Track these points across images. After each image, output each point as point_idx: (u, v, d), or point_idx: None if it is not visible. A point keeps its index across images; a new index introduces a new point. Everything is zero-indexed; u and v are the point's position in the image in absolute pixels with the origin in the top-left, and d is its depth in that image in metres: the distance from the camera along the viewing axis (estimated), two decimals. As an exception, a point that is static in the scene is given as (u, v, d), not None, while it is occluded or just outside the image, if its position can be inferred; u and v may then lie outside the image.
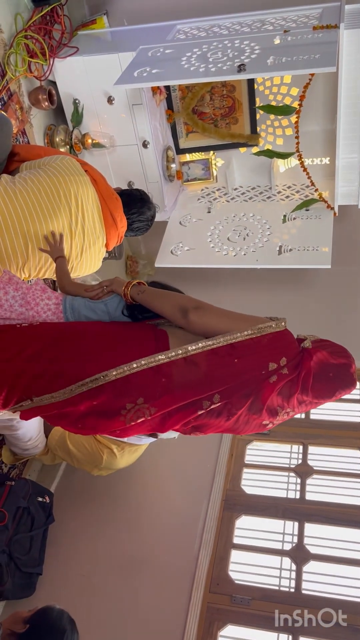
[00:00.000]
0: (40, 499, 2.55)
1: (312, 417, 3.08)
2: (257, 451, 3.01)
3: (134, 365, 1.44)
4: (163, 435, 2.35)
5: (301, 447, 2.94)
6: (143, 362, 1.44)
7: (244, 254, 3.11)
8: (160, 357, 1.44)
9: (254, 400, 1.43)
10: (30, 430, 2.48)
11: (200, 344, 1.44)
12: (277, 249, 3.08)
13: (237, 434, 1.56)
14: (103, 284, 1.69)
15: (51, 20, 2.90)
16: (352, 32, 2.53)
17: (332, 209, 3.16)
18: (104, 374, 1.44)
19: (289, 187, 3.42)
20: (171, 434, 2.33)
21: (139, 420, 1.46)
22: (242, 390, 1.43)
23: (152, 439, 2.50)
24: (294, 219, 3.23)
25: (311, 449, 2.93)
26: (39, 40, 2.76)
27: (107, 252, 2.22)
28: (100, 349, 1.52)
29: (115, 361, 1.46)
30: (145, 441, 2.56)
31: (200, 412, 1.44)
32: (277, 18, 2.84)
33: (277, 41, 2.60)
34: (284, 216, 3.24)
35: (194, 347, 1.44)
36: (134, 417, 1.45)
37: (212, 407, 1.43)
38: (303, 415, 3.06)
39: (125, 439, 2.53)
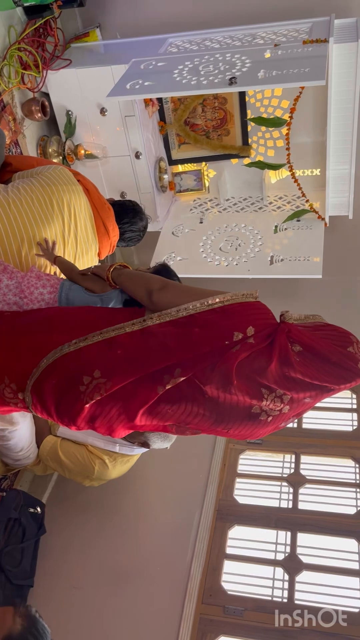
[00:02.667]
0: (31, 510, 2.53)
1: (304, 426, 3.09)
2: (250, 460, 3.00)
3: (88, 338, 1.39)
4: (154, 446, 2.34)
5: (293, 456, 2.94)
6: (96, 335, 1.39)
7: (236, 264, 3.13)
8: (115, 329, 1.38)
9: (221, 373, 1.30)
10: (22, 440, 2.47)
11: (157, 315, 1.37)
12: (269, 259, 3.10)
13: (229, 434, 1.42)
14: (90, 269, 1.72)
15: (44, 33, 2.93)
16: (341, 46, 2.57)
17: (323, 219, 3.19)
18: (58, 349, 1.41)
19: (280, 198, 3.45)
20: (163, 444, 2.33)
21: (96, 398, 1.37)
22: (204, 362, 1.31)
23: (144, 449, 2.49)
24: (286, 229, 3.26)
25: (303, 458, 2.93)
26: (32, 53, 2.79)
27: (99, 261, 2.23)
28: (61, 329, 1.50)
29: (71, 338, 1.42)
30: (137, 451, 2.55)
31: (160, 389, 1.33)
32: (268, 32, 2.89)
33: (267, 55, 2.64)
34: (276, 227, 3.27)
35: (151, 319, 1.37)
36: (90, 394, 1.37)
37: (175, 382, 1.32)
38: (295, 425, 3.06)
39: (117, 449, 2.52)
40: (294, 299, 3.62)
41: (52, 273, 1.91)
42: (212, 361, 1.31)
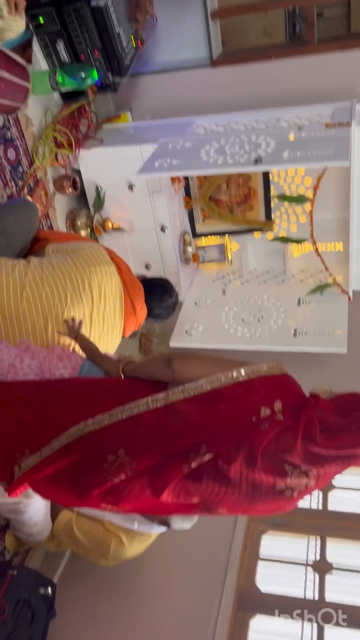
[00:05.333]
0: (42, 592, 2.40)
1: (330, 507, 2.94)
2: (273, 543, 2.85)
3: (111, 415, 1.35)
4: (175, 525, 2.24)
5: (319, 540, 2.78)
6: (119, 413, 1.35)
7: (259, 336, 3.11)
8: (138, 406, 1.34)
9: (246, 452, 1.25)
10: (37, 514, 2.39)
11: (181, 389, 1.32)
12: (292, 331, 3.08)
13: (253, 512, 1.36)
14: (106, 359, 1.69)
15: (79, 115, 3.10)
16: (363, 129, 2.66)
17: (347, 293, 3.18)
18: (81, 426, 1.37)
19: (303, 271, 3.48)
20: (184, 525, 2.23)
21: (121, 477, 1.33)
22: (231, 439, 1.26)
23: (163, 528, 2.39)
24: (309, 302, 3.25)
25: (329, 541, 2.77)
26: (66, 133, 2.94)
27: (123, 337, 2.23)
28: (81, 402, 1.47)
29: (93, 413, 1.38)
30: (156, 530, 2.44)
31: (185, 468, 1.28)
32: (291, 116, 3.01)
33: (291, 137, 2.73)
34: (299, 299, 3.27)
35: (175, 394, 1.32)
36: (115, 473, 1.33)
37: (200, 460, 1.27)
38: (321, 507, 2.92)
39: (135, 527, 2.42)
40: (318, 374, 3.55)
41: (74, 349, 1.91)
42: (237, 439, 1.27)
